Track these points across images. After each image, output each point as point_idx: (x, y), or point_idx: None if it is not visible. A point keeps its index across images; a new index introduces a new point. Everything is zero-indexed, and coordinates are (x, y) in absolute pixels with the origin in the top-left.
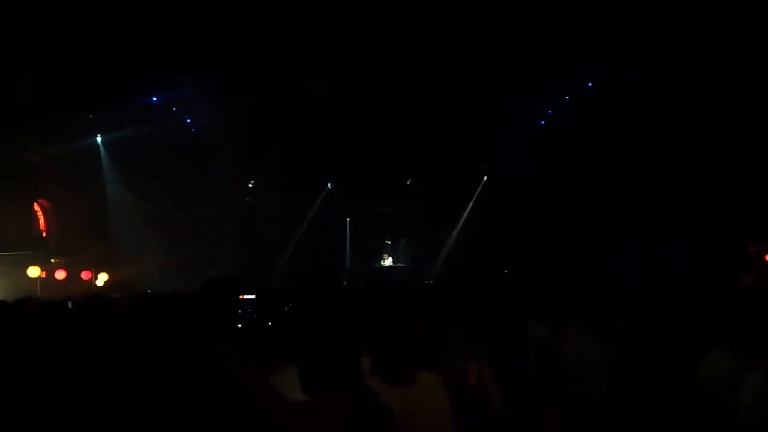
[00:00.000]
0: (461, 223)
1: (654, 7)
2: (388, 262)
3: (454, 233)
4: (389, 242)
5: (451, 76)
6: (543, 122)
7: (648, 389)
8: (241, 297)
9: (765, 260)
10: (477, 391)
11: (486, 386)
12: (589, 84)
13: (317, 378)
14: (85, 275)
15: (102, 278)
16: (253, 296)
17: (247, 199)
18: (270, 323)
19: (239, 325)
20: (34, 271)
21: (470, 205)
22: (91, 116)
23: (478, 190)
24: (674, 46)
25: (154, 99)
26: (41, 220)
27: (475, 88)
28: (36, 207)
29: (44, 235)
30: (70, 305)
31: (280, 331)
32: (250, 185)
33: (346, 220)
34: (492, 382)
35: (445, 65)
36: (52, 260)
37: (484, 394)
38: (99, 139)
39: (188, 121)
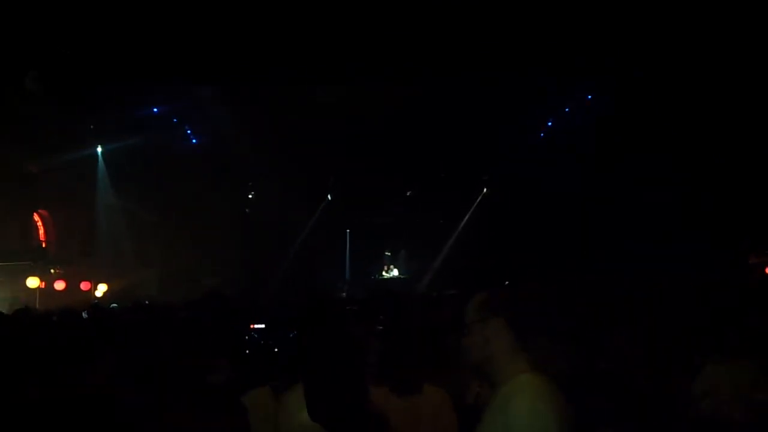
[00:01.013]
0: (461, 233)
1: (654, 13)
2: (391, 273)
3: (454, 243)
4: (389, 253)
5: (450, 87)
6: (542, 134)
7: (642, 402)
8: (252, 327)
9: (765, 272)
10: (475, 403)
11: (484, 398)
12: (589, 96)
13: (323, 401)
14: (84, 286)
15: (101, 289)
16: (263, 326)
17: (247, 210)
18: (276, 349)
19: (247, 351)
20: (33, 282)
21: (469, 215)
22: (91, 126)
23: (478, 200)
24: (674, 52)
25: (155, 110)
26: (41, 231)
27: (474, 100)
28: (36, 217)
29: (44, 245)
30: (84, 315)
31: (287, 356)
32: (250, 196)
33: (346, 232)
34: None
35: (446, 76)
36: (52, 271)
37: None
38: (99, 149)
39: (189, 131)
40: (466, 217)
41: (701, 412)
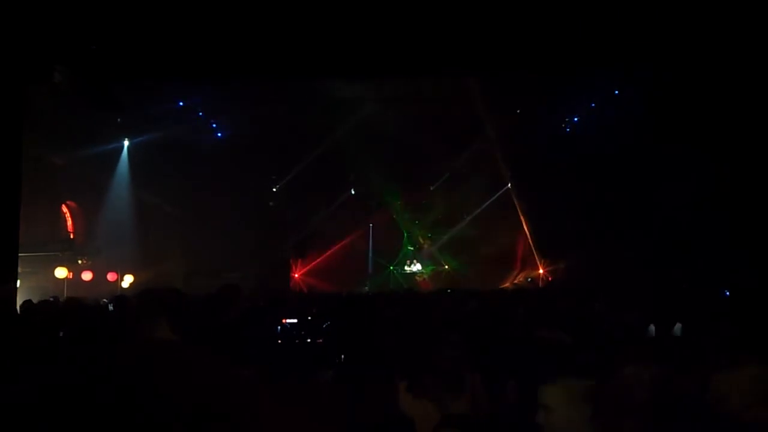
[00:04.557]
0: (484, 229)
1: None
2: (414, 268)
3: (478, 239)
4: (411, 248)
5: (475, 80)
6: (568, 129)
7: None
8: (284, 321)
9: None
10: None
11: (477, 395)
12: (616, 92)
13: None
14: (111, 276)
15: (128, 280)
16: (295, 320)
17: (271, 204)
18: (309, 340)
19: (279, 341)
20: (61, 272)
21: (488, 209)
22: (118, 120)
23: (499, 194)
24: (700, 51)
25: (180, 104)
26: (69, 222)
27: (499, 94)
28: (64, 209)
29: (72, 236)
30: (111, 308)
31: (320, 347)
32: (274, 190)
33: (369, 226)
34: (482, 391)
35: (469, 70)
36: (79, 261)
37: (476, 403)
38: (125, 142)
39: (213, 125)
40: (478, 211)
41: (725, 412)
